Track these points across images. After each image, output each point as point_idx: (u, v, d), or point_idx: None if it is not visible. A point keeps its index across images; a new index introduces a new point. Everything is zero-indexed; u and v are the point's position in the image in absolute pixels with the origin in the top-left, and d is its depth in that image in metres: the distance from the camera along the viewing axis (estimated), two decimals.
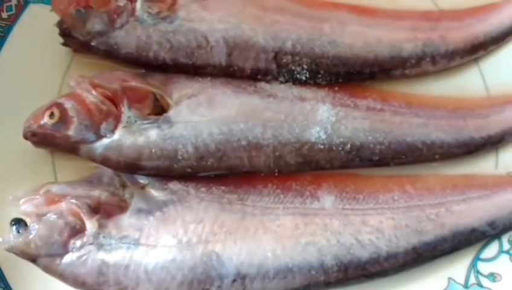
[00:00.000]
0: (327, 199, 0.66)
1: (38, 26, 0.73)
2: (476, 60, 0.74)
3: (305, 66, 0.70)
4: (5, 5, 0.73)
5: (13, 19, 0.73)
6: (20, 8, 0.74)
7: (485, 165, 0.72)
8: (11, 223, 0.63)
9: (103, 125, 0.65)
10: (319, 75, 0.70)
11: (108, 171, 0.67)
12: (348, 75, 0.71)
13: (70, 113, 0.65)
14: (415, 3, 0.76)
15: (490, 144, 0.70)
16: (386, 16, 0.74)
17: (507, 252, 0.70)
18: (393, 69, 0.72)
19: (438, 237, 0.66)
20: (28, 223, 0.63)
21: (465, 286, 0.70)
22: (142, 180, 0.67)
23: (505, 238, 0.70)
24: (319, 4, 0.75)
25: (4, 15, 0.73)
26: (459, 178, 0.70)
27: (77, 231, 0.63)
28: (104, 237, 0.63)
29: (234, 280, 0.63)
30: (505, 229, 0.68)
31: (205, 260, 0.63)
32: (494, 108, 0.71)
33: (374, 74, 0.72)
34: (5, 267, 0.69)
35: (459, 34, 0.73)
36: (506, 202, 0.67)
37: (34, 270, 0.65)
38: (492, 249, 0.70)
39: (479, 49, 0.73)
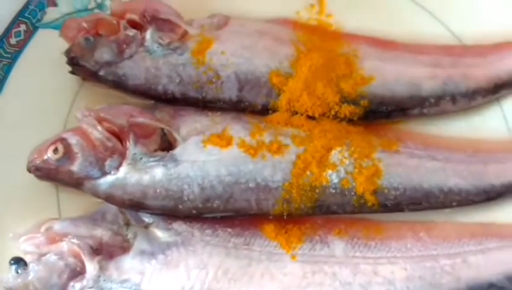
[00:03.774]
0: (338, 245, 0.64)
1: (47, 52, 0.71)
2: (498, 100, 0.71)
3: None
4: (13, 30, 0.71)
5: (21, 45, 0.72)
6: (29, 34, 0.72)
7: (503, 213, 0.68)
8: (10, 263, 0.62)
9: (108, 162, 0.63)
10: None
11: (112, 208, 0.66)
12: (364, 114, 0.68)
13: (75, 149, 0.63)
14: (437, 38, 0.73)
15: (511, 191, 0.67)
16: (406, 49, 0.71)
17: None
18: (411, 108, 0.69)
19: None
20: (28, 262, 0.62)
21: None
22: (147, 218, 0.65)
23: None
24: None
25: (12, 41, 0.71)
26: (476, 226, 0.67)
27: (77, 273, 0.62)
28: (104, 280, 0.61)
29: None
30: None
31: None
32: None
33: (390, 112, 0.69)
34: None
35: (482, 72, 0.70)
36: None
37: None
38: None
39: (501, 88, 0.70)
